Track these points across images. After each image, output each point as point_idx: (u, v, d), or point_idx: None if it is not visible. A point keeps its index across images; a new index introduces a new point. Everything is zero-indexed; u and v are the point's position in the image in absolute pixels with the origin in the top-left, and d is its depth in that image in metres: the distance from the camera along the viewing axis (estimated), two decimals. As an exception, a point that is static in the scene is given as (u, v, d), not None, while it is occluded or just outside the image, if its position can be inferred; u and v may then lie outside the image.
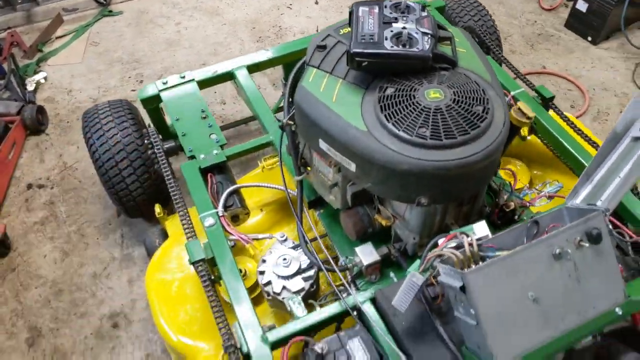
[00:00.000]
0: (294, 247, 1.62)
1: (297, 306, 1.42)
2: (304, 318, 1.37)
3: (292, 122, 1.42)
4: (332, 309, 1.39)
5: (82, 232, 2.25)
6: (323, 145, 1.33)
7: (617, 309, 1.13)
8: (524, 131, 1.91)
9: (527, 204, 1.62)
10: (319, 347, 1.31)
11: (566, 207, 1.25)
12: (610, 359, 1.24)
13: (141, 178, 1.93)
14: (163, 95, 1.93)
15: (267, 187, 1.75)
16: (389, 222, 1.39)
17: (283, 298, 1.53)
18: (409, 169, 1.18)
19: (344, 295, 1.41)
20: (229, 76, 2.05)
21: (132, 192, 1.95)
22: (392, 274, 1.49)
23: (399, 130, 1.20)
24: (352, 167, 1.29)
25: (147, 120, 2.09)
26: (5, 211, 2.33)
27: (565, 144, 1.74)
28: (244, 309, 1.39)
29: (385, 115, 1.23)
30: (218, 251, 1.50)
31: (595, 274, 1.12)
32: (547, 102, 1.88)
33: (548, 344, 1.08)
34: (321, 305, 1.47)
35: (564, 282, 1.09)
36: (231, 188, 1.69)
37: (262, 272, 1.58)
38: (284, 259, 1.58)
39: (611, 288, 1.14)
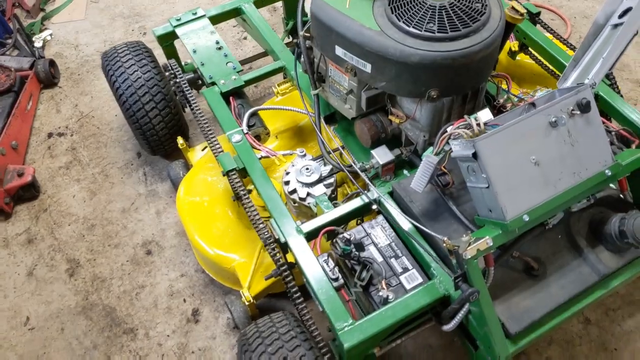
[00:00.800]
0: (314, 160, 1.80)
1: (325, 203, 1.60)
2: (332, 212, 1.55)
3: (308, 34, 1.57)
4: (355, 203, 1.57)
5: (106, 173, 2.42)
6: (339, 51, 1.49)
7: (606, 171, 1.32)
8: (514, 46, 2.08)
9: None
10: (347, 234, 1.50)
11: (558, 89, 1.43)
12: (602, 221, 1.44)
13: (163, 112, 2.09)
14: (178, 31, 2.07)
15: (285, 109, 1.91)
16: (402, 120, 1.56)
17: (309, 203, 1.71)
18: (420, 60, 1.34)
19: (360, 190, 1.59)
20: (236, 12, 2.18)
21: (155, 127, 2.10)
22: (405, 172, 1.66)
23: (409, 27, 1.36)
24: (368, 67, 1.45)
25: (161, 60, 2.23)
26: (30, 158, 2.48)
27: (553, 53, 1.89)
28: (278, 207, 1.57)
29: (396, 15, 1.39)
30: (248, 161, 1.67)
31: (586, 139, 1.29)
32: (534, 18, 2.03)
33: (548, 202, 1.26)
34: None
35: (560, 147, 1.27)
36: (252, 109, 1.85)
37: (287, 182, 1.75)
38: (307, 169, 1.75)
39: (600, 152, 1.32)
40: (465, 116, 1.35)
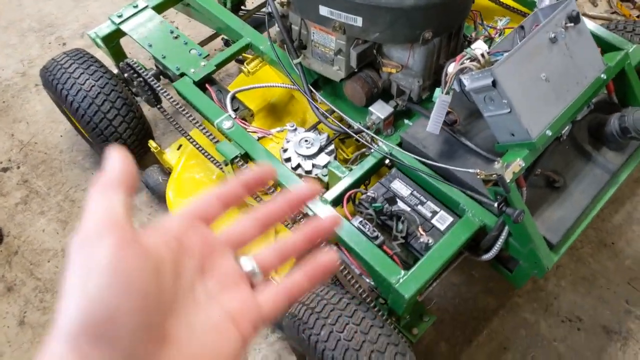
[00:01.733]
0: (307, 131, 1.77)
1: (340, 169, 1.59)
2: (350, 175, 1.54)
3: (285, 0, 1.52)
4: (369, 162, 1.57)
5: (72, 199, 2.24)
6: (324, 10, 1.46)
7: (602, 75, 1.41)
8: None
9: (494, 36, 1.86)
10: (371, 193, 1.50)
11: (539, 9, 1.49)
12: (600, 124, 1.55)
13: (127, 118, 1.96)
14: (124, 27, 1.93)
15: (266, 86, 1.85)
16: (398, 70, 1.57)
17: (316, 174, 1.69)
18: (416, 2, 1.35)
19: (373, 148, 1.60)
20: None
21: (122, 135, 1.97)
22: (406, 121, 1.68)
23: (395, -28, 1.36)
24: (359, 21, 1.43)
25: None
26: (-21, 202, 2.25)
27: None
28: (294, 182, 1.54)
29: (379, -36, 1.38)
30: (248, 145, 1.61)
31: (581, 49, 1.37)
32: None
33: (563, 113, 1.33)
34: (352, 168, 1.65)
35: (562, 60, 1.34)
36: (232, 93, 1.78)
37: (287, 159, 1.72)
38: (306, 141, 1.72)
39: (594, 59, 1.41)
40: (466, 50, 1.39)
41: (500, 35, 1.80)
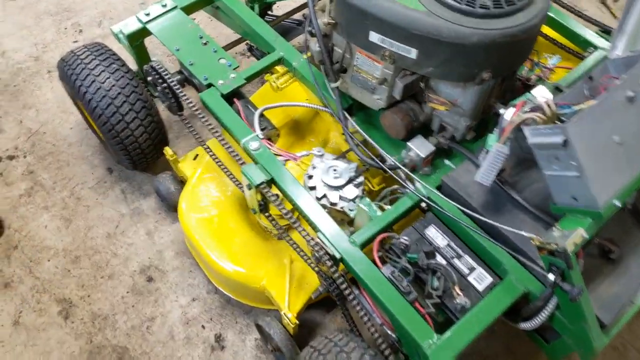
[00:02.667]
0: (336, 159, 1.59)
1: (371, 209, 1.41)
2: (383, 216, 1.37)
3: (333, 21, 1.33)
4: (403, 204, 1.39)
5: (78, 196, 2.05)
6: (374, 37, 1.27)
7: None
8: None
9: (544, 77, 1.68)
10: (404, 239, 1.33)
11: (610, 60, 1.31)
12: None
13: (145, 122, 1.77)
14: (151, 27, 1.73)
15: (297, 105, 1.68)
16: (447, 108, 1.38)
17: (342, 207, 1.51)
18: (479, 40, 1.17)
19: (410, 188, 1.42)
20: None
21: (138, 139, 1.78)
22: (446, 161, 1.50)
23: (460, 4, 1.17)
24: (412, 53, 1.25)
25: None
26: (-20, 191, 2.05)
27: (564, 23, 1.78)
28: (323, 219, 1.36)
29: (444, -7, 1.19)
30: (275, 170, 1.43)
31: (657, 110, 1.19)
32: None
33: (633, 182, 1.15)
34: (382, 206, 1.47)
35: (638, 122, 1.16)
36: (260, 110, 1.59)
37: (312, 188, 1.54)
38: (334, 170, 1.54)
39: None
40: (527, 97, 1.21)
41: (549, 72, 1.62)
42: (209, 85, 1.60)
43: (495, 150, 1.19)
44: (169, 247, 1.92)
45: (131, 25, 1.74)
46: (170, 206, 1.93)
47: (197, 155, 1.90)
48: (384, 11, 1.21)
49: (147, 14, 1.74)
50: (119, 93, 1.70)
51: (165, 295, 1.82)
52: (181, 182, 1.94)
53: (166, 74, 1.62)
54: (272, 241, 1.73)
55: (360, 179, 1.56)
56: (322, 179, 1.54)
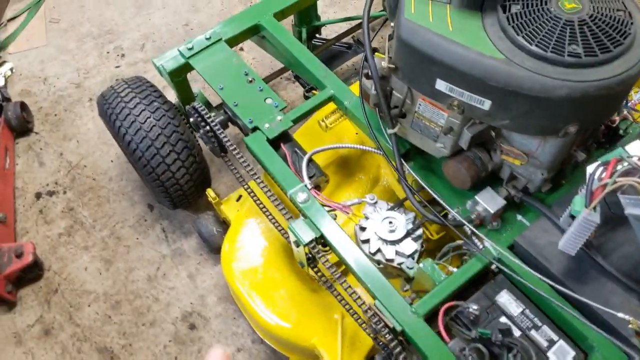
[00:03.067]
0: (391, 208, 1.48)
1: (436, 272, 1.29)
2: (448, 282, 1.25)
3: (392, 66, 1.22)
4: (472, 268, 1.27)
5: (118, 235, 2.01)
6: (442, 85, 1.16)
7: None
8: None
9: (631, 118, 1.51)
10: (473, 308, 1.20)
11: None
12: None
13: (186, 163, 1.71)
14: (194, 62, 1.66)
15: (349, 147, 1.59)
16: (523, 161, 1.25)
17: (399, 264, 1.40)
18: (567, 94, 1.03)
19: (477, 248, 1.30)
20: (255, 29, 1.79)
21: (179, 180, 1.72)
22: (519, 217, 1.37)
23: (546, 52, 1.04)
24: (486, 104, 1.12)
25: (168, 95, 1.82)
26: (22, 228, 2.04)
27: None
28: (382, 286, 1.25)
29: (524, 37, 1.06)
30: (325, 225, 1.33)
31: None
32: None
33: None
34: (444, 266, 1.35)
35: None
36: (308, 156, 1.50)
37: (365, 241, 1.43)
38: (390, 222, 1.43)
39: None
40: (622, 156, 1.07)
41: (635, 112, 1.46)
42: (254, 129, 1.52)
43: (583, 217, 1.05)
44: (212, 292, 1.86)
45: (173, 60, 1.68)
46: (213, 248, 1.87)
47: (240, 196, 1.83)
48: (455, 58, 1.09)
49: (190, 48, 1.68)
50: (160, 134, 1.64)
51: (208, 344, 1.75)
52: (224, 224, 1.88)
53: (209, 117, 1.54)
54: (321, 292, 1.64)
55: (419, 231, 1.45)
56: (376, 232, 1.43)
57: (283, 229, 1.55)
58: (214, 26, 1.76)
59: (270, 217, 1.57)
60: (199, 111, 1.55)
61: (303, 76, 1.76)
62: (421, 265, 1.32)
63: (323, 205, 1.41)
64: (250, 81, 1.61)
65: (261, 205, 1.58)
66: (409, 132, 1.40)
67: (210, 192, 1.78)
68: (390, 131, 1.37)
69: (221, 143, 1.59)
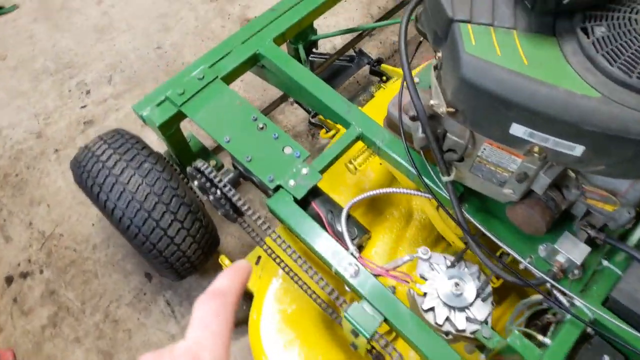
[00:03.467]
0: (452, 265, 1.37)
1: (528, 348, 1.18)
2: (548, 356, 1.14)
3: (452, 110, 1.10)
4: (568, 336, 1.17)
5: (114, 318, 1.86)
6: (518, 130, 1.04)
7: None
8: None
9: None
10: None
11: None
12: None
13: (192, 230, 1.58)
14: (188, 110, 1.53)
15: (394, 192, 1.47)
16: (612, 206, 1.15)
17: (472, 332, 1.30)
18: (689, 134, 0.93)
19: (566, 309, 1.20)
20: (254, 59, 1.66)
21: (186, 252, 1.59)
22: (605, 262, 1.27)
23: (654, 85, 0.94)
24: (577, 150, 1.01)
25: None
26: (-5, 323, 1.88)
27: None
28: None
29: (620, 68, 0.95)
30: (387, 308, 1.22)
31: None
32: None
33: None
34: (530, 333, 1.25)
35: None
36: (345, 213, 1.38)
37: (429, 310, 1.32)
38: (456, 284, 1.32)
39: None
40: None
41: None
42: (277, 188, 1.39)
43: None
44: (235, 375, 1.73)
45: (161, 109, 1.54)
46: (237, 323, 1.74)
47: (259, 257, 1.70)
48: (538, 100, 0.97)
49: (181, 93, 1.54)
50: (157, 202, 1.51)
51: None
52: (245, 293, 1.75)
53: (218, 179, 1.41)
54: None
55: (489, 289, 1.35)
56: (440, 297, 1.33)
57: (314, 292, 1.43)
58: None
59: (298, 280, 1.45)
60: (205, 174, 1.42)
61: (319, 111, 1.64)
62: (508, 340, 1.21)
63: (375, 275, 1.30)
64: (262, 128, 1.48)
65: (287, 269, 1.46)
66: (466, 177, 1.29)
67: (224, 259, 1.65)
68: (445, 179, 1.26)
69: (236, 207, 1.46)
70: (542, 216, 1.24)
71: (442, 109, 1.10)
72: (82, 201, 2.12)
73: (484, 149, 1.17)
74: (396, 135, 1.52)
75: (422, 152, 1.37)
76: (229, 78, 1.62)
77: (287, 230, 1.65)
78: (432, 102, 1.17)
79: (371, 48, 2.49)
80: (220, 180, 1.41)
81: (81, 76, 2.52)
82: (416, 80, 1.53)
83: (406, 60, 1.20)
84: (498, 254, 1.40)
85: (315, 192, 1.43)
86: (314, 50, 2.15)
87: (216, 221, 1.86)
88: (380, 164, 1.74)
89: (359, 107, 1.57)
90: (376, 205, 1.78)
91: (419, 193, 1.42)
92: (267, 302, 1.60)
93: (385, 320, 1.22)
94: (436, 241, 1.72)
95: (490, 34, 1.04)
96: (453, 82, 1.07)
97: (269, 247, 1.48)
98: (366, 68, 2.17)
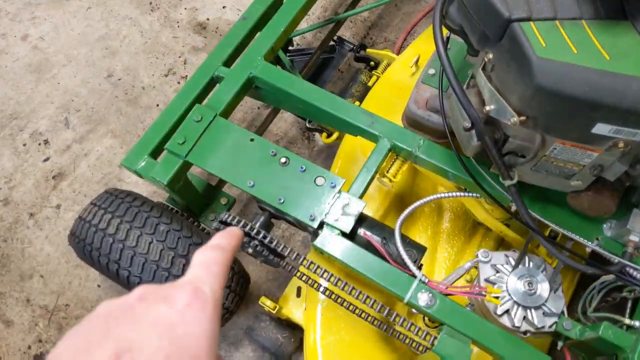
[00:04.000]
0: (518, 263, 1.28)
1: (623, 336, 1.11)
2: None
3: (524, 118, 0.96)
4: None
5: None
6: (603, 129, 0.92)
7: None
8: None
9: None
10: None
11: None
12: None
13: (231, 285, 1.41)
14: (196, 159, 1.32)
15: (450, 197, 1.36)
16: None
17: (551, 326, 1.22)
18: None
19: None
20: (249, 84, 1.45)
21: (229, 307, 1.42)
22: (675, 231, 1.20)
23: None
24: (670, 140, 0.91)
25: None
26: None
27: None
28: None
29: None
30: (473, 329, 1.11)
31: None
32: None
33: None
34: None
35: None
36: (398, 235, 1.24)
37: (504, 313, 1.23)
38: (529, 284, 1.23)
39: None
40: None
41: None
42: (321, 226, 1.23)
43: None
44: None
45: (165, 165, 1.33)
46: (284, 358, 1.61)
47: (298, 288, 1.56)
48: (631, 97, 0.86)
49: (183, 142, 1.33)
50: (173, 257, 1.35)
51: None
52: (287, 325, 1.61)
53: (255, 231, 1.23)
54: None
55: (559, 279, 1.27)
56: (514, 299, 1.23)
57: (363, 312, 1.30)
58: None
59: (345, 303, 1.32)
60: (228, 220, 1.23)
61: (337, 128, 1.47)
62: (600, 333, 1.13)
63: (446, 295, 1.19)
64: (284, 162, 1.30)
65: (333, 295, 1.32)
66: (526, 174, 1.17)
67: (265, 302, 1.49)
68: (508, 183, 1.13)
69: (277, 252, 1.29)
70: (612, 199, 1.16)
71: (512, 119, 0.96)
72: (78, 263, 1.88)
73: (554, 148, 1.04)
74: (419, 133, 1.38)
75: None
76: (227, 112, 1.41)
77: (318, 253, 1.52)
78: (487, 108, 1.03)
79: (343, 30, 2.29)
80: (258, 232, 1.23)
81: (32, 126, 2.21)
82: (431, 72, 1.39)
83: (452, 70, 1.04)
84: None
85: (360, 220, 1.28)
86: (290, 48, 1.94)
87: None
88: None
89: (357, 103, 1.42)
90: (404, 207, 1.65)
91: (473, 194, 1.31)
92: (319, 333, 1.47)
93: (473, 341, 1.11)
94: (473, 228, 1.62)
95: (558, 30, 0.90)
96: (522, 90, 0.93)
97: (308, 276, 1.32)
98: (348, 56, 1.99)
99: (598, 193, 1.15)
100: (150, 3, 2.47)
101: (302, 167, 1.29)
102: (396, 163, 1.38)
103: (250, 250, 1.28)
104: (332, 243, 1.21)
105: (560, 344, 1.29)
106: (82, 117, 2.20)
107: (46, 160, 2.12)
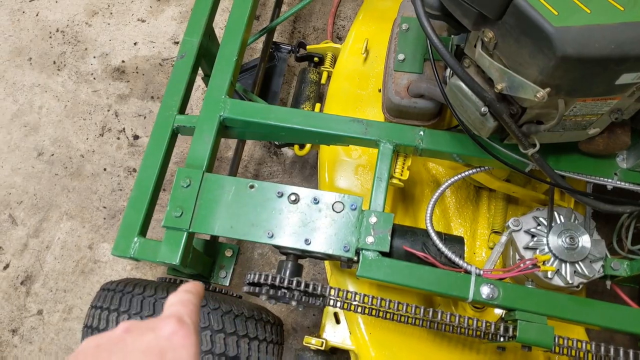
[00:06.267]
0: (550, 222, 1.27)
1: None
2: None
3: (549, 89, 0.92)
4: None
5: None
6: (627, 78, 0.90)
7: None
8: None
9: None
10: None
11: None
12: None
13: (259, 333, 1.31)
14: (199, 228, 1.20)
15: (479, 171, 1.29)
16: None
17: (600, 269, 1.23)
18: None
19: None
20: (222, 127, 1.33)
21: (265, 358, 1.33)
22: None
23: None
24: (690, 71, 0.90)
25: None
26: None
27: None
28: None
29: None
30: (544, 306, 1.09)
31: None
32: None
33: None
34: None
35: None
36: (435, 236, 1.19)
37: (554, 274, 1.23)
38: (571, 238, 1.22)
39: None
40: None
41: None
42: (357, 255, 1.15)
43: None
44: None
45: (170, 245, 1.19)
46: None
47: (335, 314, 1.48)
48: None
49: (180, 215, 1.20)
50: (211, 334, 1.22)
51: None
52: (326, 352, 1.53)
53: (291, 283, 1.13)
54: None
55: (593, 223, 1.28)
56: (560, 258, 1.23)
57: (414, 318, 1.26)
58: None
59: (389, 316, 1.27)
60: (271, 285, 1.13)
61: (324, 144, 1.37)
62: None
63: (502, 280, 1.15)
64: (294, 200, 1.20)
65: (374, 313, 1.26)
66: (543, 137, 1.14)
67: (310, 341, 1.41)
68: (531, 151, 1.10)
69: (318, 294, 1.20)
70: (625, 134, 1.16)
71: (538, 93, 0.92)
72: None
73: (575, 106, 1.02)
74: (407, 122, 1.33)
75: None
76: (211, 165, 1.29)
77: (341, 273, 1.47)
78: (499, 86, 0.98)
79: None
80: (299, 283, 1.14)
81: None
82: (401, 57, 1.33)
83: (454, 61, 0.98)
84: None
85: (393, 230, 1.21)
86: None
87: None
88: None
89: (317, 105, 1.33)
90: (406, 196, 1.61)
91: (486, 168, 1.27)
92: (373, 352, 1.42)
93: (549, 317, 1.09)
94: (477, 194, 1.60)
95: (565, -5, 0.85)
96: (543, 62, 0.89)
97: (342, 300, 1.25)
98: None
99: (612, 132, 1.15)
100: (54, 62, 2.23)
101: (315, 199, 1.19)
102: (399, 161, 1.32)
103: (294, 304, 1.19)
104: (377, 267, 1.14)
105: (608, 282, 1.30)
106: (28, 208, 1.98)
107: (6, 267, 1.89)
